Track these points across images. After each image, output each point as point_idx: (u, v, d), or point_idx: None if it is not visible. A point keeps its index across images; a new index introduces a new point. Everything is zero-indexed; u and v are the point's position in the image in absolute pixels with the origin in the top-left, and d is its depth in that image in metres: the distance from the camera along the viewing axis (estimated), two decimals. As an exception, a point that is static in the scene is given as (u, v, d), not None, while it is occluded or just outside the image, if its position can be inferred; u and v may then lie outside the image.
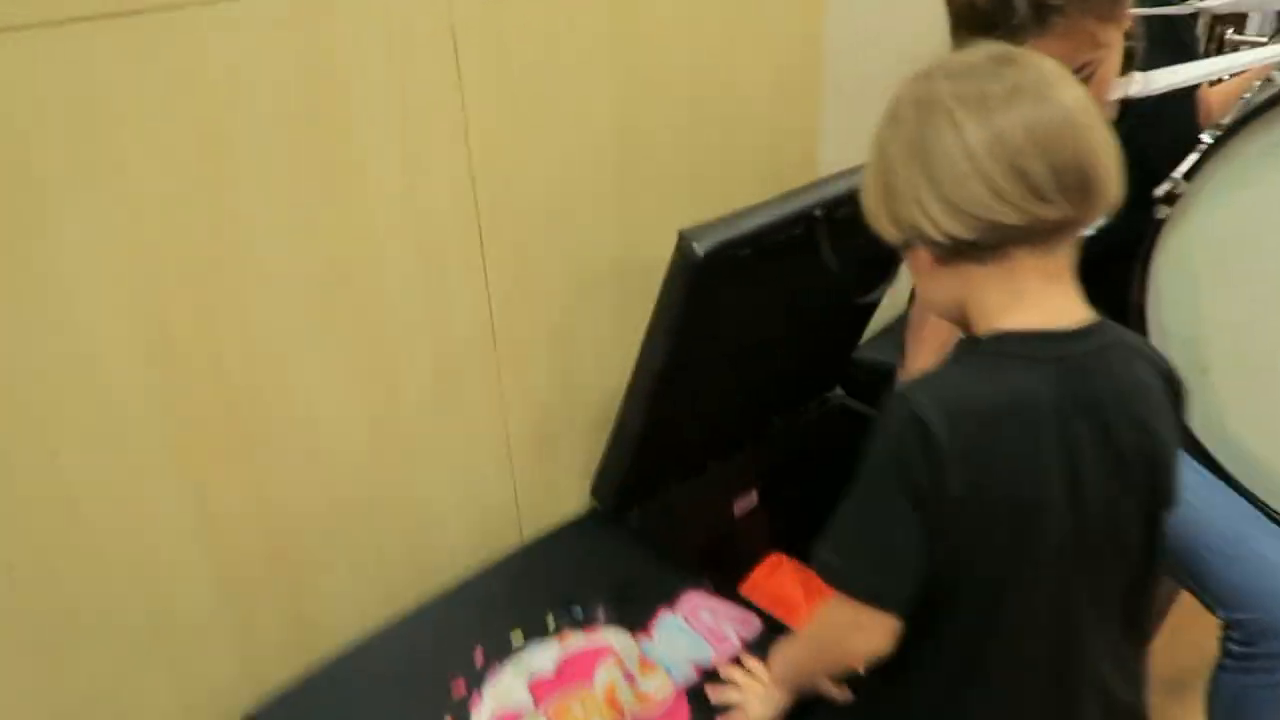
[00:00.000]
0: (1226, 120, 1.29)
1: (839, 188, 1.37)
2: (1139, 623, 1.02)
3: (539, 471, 1.53)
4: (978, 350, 0.90)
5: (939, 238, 0.86)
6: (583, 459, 1.57)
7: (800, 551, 1.73)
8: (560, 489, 1.58)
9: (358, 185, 1.15)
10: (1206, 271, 1.29)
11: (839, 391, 1.85)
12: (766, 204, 1.32)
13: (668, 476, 1.61)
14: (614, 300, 1.52)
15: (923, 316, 1.52)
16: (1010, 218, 0.83)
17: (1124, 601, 0.97)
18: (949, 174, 0.83)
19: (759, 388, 1.65)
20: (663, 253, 1.24)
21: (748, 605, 1.38)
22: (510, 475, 1.49)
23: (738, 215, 1.29)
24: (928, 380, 0.89)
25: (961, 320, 0.94)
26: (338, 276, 1.17)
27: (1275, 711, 1.27)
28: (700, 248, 1.23)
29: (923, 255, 0.90)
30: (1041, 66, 0.86)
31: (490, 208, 1.29)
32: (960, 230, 0.85)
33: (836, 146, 1.79)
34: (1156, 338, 1.33)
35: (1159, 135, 1.37)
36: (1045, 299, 0.88)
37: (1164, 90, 1.30)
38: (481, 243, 1.30)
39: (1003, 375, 0.87)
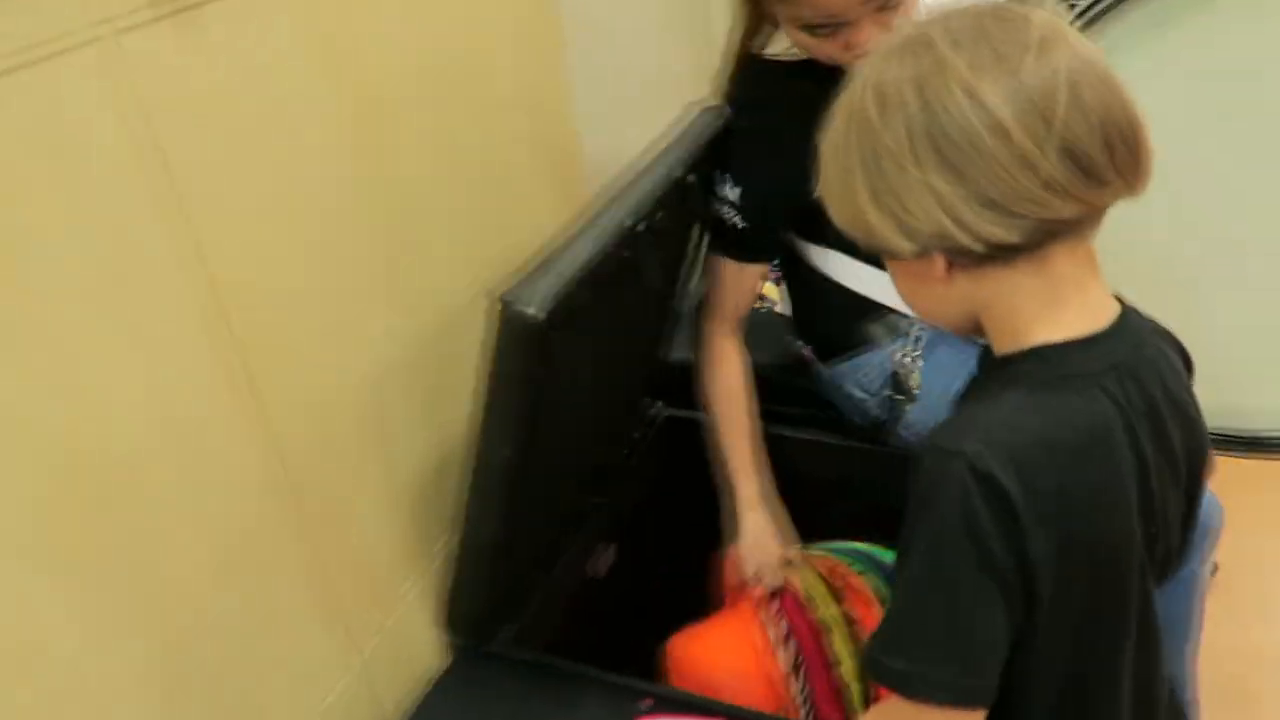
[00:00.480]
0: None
1: (641, 190, 1.17)
2: None
3: (388, 628, 1.22)
4: (1021, 375, 0.73)
5: (974, 245, 0.68)
6: (437, 587, 1.28)
7: (685, 588, 1.55)
8: (418, 637, 1.28)
9: (69, 364, 0.79)
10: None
11: (658, 404, 1.66)
12: (577, 234, 1.09)
13: (535, 575, 1.36)
14: (418, 386, 1.22)
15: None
16: (1066, 210, 0.67)
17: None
18: (985, 167, 0.65)
19: (604, 433, 1.43)
20: (454, 316, 1.02)
21: (700, 706, 1.16)
22: (351, 653, 1.17)
23: (551, 258, 1.05)
24: (973, 425, 0.72)
25: (970, 331, 0.78)
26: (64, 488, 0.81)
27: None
28: (536, 310, 0.98)
29: (937, 264, 0.72)
30: (1043, 14, 0.69)
31: (253, 349, 0.97)
32: (1004, 234, 0.67)
33: (590, 118, 1.56)
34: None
35: None
36: (1083, 296, 0.74)
37: None
38: (253, 389, 0.97)
39: (1064, 404, 0.72)
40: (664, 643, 1.40)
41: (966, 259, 0.70)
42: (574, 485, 1.40)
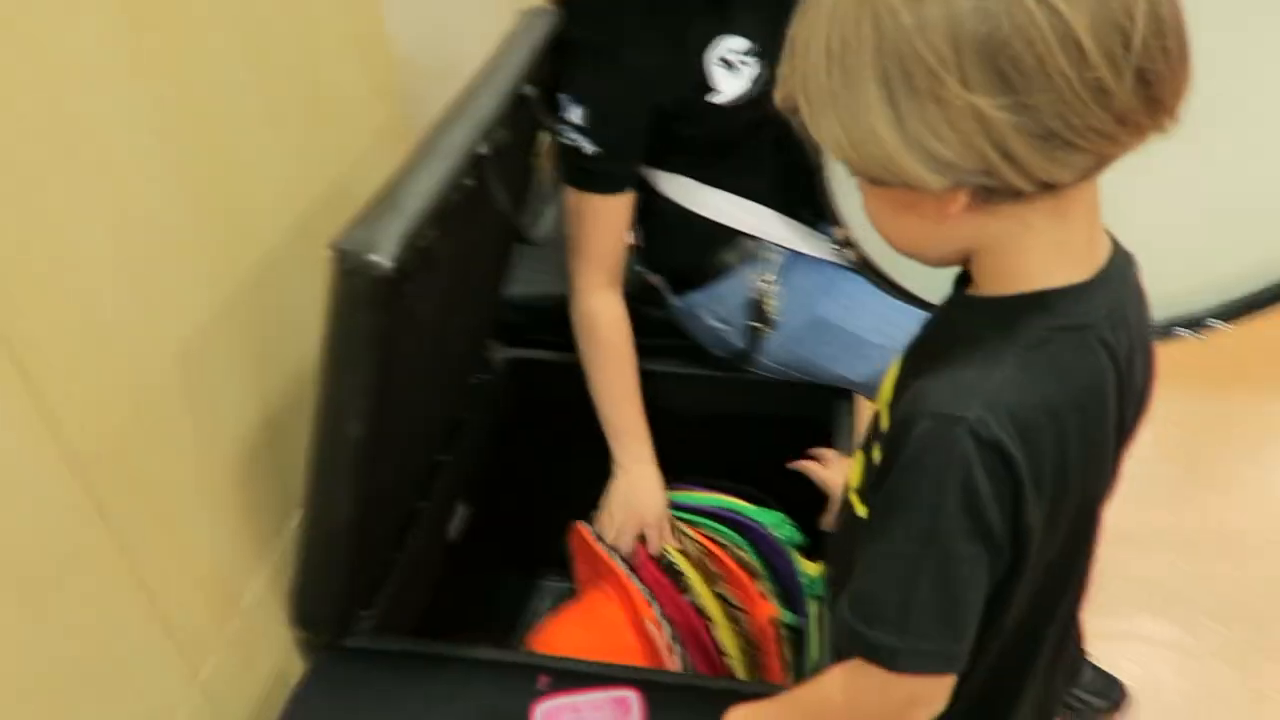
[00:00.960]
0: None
1: (481, 109, 1.01)
2: None
3: (229, 638, 1.04)
4: (1020, 325, 0.65)
5: (1022, 184, 0.57)
6: (283, 582, 1.11)
7: (548, 540, 1.45)
8: (266, 643, 1.11)
9: None
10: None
11: (497, 345, 1.51)
12: (416, 164, 0.93)
13: (388, 551, 1.21)
14: (240, 353, 1.03)
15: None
16: (1132, 145, 0.58)
17: None
18: (1051, 90, 0.54)
19: (449, 385, 1.28)
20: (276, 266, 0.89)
21: (601, 675, 1.06)
22: (189, 679, 0.99)
23: (391, 193, 0.90)
24: (974, 387, 0.64)
25: (952, 264, 0.69)
26: None
27: None
28: (383, 257, 0.83)
29: (956, 200, 0.60)
30: None
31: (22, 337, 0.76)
32: (1059, 172, 0.57)
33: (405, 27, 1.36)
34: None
35: None
36: (1090, 234, 0.66)
37: None
38: (30, 388, 0.77)
39: (1067, 361, 0.65)
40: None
41: (993, 196, 0.59)
42: (422, 447, 1.26)
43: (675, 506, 1.33)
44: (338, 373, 0.90)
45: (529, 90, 1.09)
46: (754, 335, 1.35)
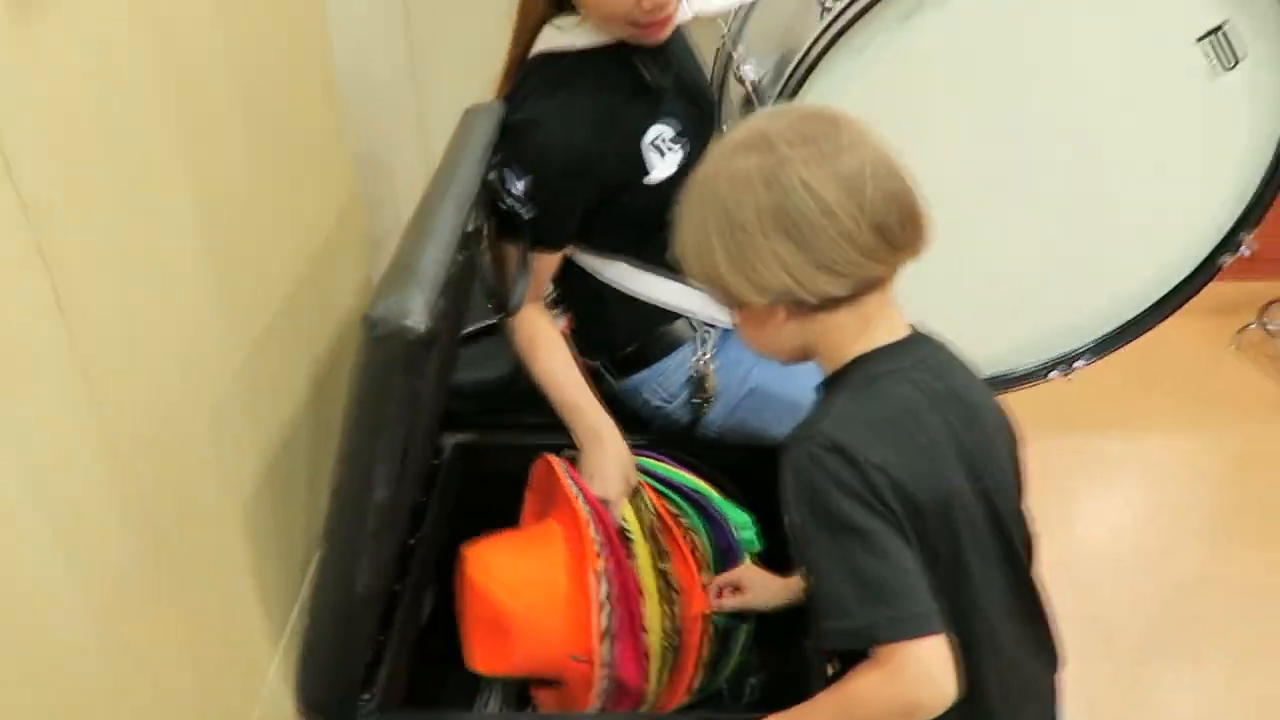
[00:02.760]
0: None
1: (460, 192, 1.10)
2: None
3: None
4: (845, 382, 0.91)
5: (810, 298, 0.86)
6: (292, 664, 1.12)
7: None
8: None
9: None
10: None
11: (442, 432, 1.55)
12: (417, 240, 1.00)
13: (377, 633, 1.22)
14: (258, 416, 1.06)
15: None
16: (878, 270, 0.87)
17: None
18: (819, 240, 0.84)
19: (421, 466, 1.32)
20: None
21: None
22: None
23: (404, 266, 0.96)
24: (815, 421, 0.89)
25: (800, 359, 0.95)
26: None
27: None
28: (416, 322, 0.89)
29: (778, 312, 0.89)
30: (849, 116, 0.88)
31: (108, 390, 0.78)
32: (834, 289, 0.86)
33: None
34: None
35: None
36: (886, 317, 0.92)
37: (715, 14, 1.27)
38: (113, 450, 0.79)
39: (880, 390, 0.90)
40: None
41: (802, 308, 0.88)
42: (405, 527, 1.29)
43: (647, 473, 1.34)
44: (369, 438, 0.95)
45: (491, 176, 1.19)
46: (696, 410, 1.43)
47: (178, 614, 0.92)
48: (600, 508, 1.25)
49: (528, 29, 1.27)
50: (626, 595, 1.22)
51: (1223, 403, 2.21)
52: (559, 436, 1.35)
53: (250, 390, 1.07)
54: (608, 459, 1.30)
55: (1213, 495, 2.03)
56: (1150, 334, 1.76)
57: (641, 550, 1.26)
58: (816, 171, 0.84)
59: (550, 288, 1.40)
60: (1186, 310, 1.73)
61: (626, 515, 1.27)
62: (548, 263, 1.32)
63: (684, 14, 1.25)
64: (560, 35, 1.25)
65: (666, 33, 1.21)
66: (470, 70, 1.38)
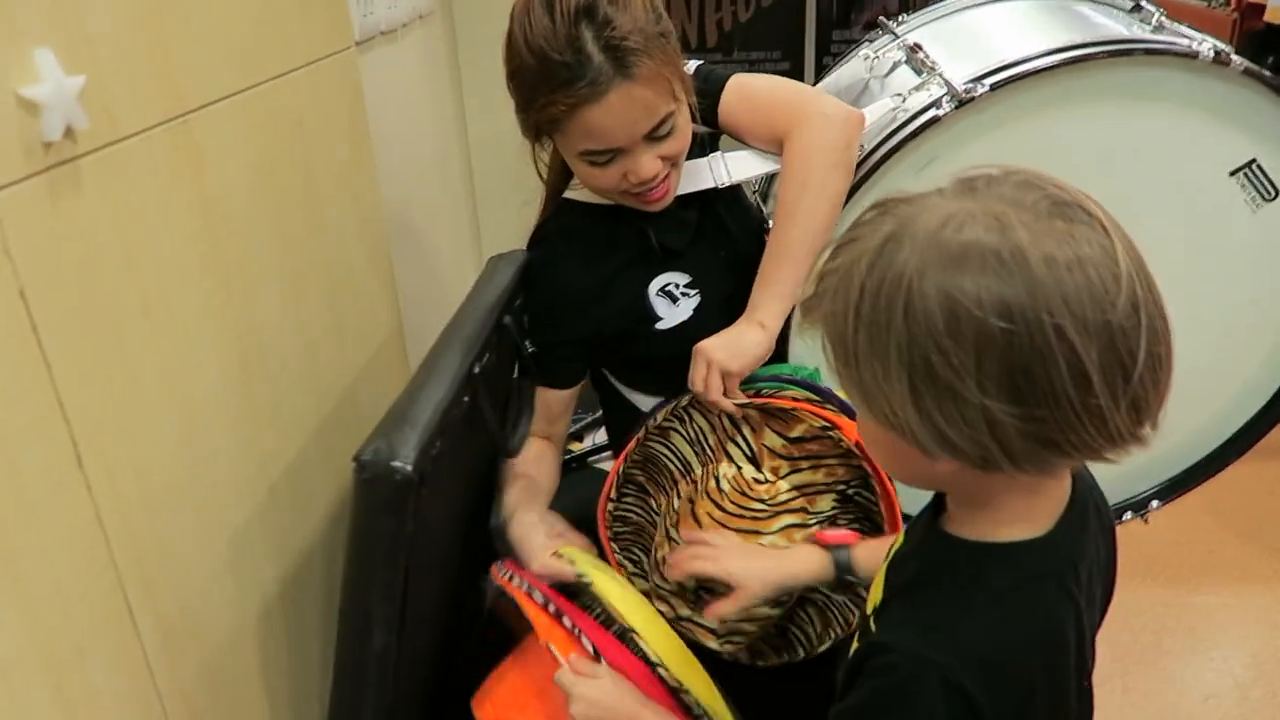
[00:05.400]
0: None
1: (469, 334, 1.12)
2: None
3: None
4: (988, 571, 0.71)
5: (1011, 470, 0.64)
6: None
7: None
8: None
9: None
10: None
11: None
12: (425, 382, 1.03)
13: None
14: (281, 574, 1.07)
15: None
16: (1115, 455, 0.65)
17: None
18: (1056, 411, 0.60)
19: (454, 614, 1.30)
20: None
21: None
22: None
23: (401, 408, 0.98)
24: (947, 630, 0.69)
25: (935, 490, 0.75)
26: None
27: None
28: (403, 463, 0.91)
29: (946, 463, 0.66)
30: (1113, 221, 0.63)
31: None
32: (1046, 468, 0.65)
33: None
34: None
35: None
36: (1059, 494, 0.72)
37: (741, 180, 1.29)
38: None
39: (1030, 605, 0.70)
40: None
41: (984, 465, 0.64)
42: (436, 676, 1.26)
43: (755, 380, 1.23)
44: (363, 580, 0.95)
45: (506, 319, 1.21)
46: None
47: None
48: (553, 594, 1.12)
49: (552, 184, 1.33)
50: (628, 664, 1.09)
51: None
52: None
53: (271, 530, 1.08)
54: (523, 531, 1.20)
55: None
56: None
57: (602, 585, 1.13)
58: (1079, 316, 0.59)
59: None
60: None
61: (576, 559, 1.15)
62: (551, 399, 1.34)
63: (708, 182, 1.28)
64: (580, 188, 1.29)
65: (665, 202, 1.22)
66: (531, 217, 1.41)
